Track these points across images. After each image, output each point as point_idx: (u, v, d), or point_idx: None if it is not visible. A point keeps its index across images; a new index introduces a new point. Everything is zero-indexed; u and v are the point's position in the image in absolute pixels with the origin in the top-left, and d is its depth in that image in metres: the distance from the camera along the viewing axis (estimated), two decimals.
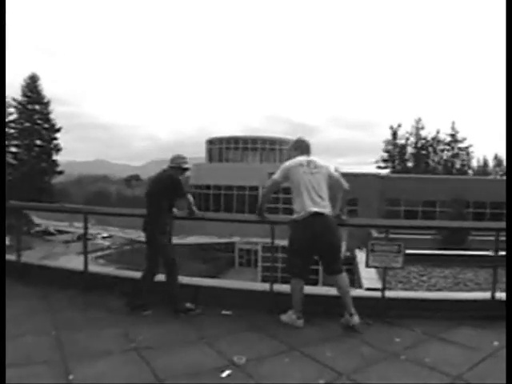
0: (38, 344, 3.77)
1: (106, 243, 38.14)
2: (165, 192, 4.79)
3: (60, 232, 39.53)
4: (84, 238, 6.28)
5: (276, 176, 4.58)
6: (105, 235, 37.91)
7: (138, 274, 5.12)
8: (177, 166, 4.87)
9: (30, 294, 5.20)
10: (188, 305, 4.72)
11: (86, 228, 5.74)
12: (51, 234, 39.83)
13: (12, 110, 46.42)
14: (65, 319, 4.46)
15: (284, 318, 4.48)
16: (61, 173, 50.71)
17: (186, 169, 4.93)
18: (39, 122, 47.94)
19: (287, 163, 4.58)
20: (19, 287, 5.33)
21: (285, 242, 4.55)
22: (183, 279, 5.00)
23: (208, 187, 38.67)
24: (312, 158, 4.60)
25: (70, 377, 3.22)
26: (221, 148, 43.14)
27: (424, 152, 58.25)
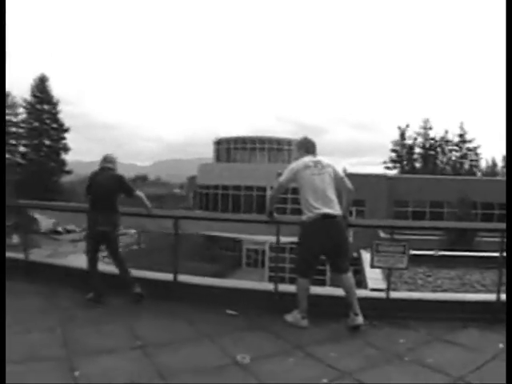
0: (44, 341, 3.80)
1: None
2: (119, 191, 5.17)
3: (68, 231, 39.83)
4: None
5: (282, 179, 4.57)
6: None
7: (139, 273, 5.19)
8: (114, 168, 5.25)
9: (35, 292, 5.23)
10: (138, 290, 4.94)
11: None
12: (59, 232, 40.15)
13: (21, 109, 46.75)
14: (70, 316, 4.50)
15: (289, 317, 4.48)
16: (69, 172, 50.79)
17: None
18: (48, 121, 48.12)
19: (293, 165, 4.58)
20: (25, 285, 5.37)
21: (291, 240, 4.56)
22: (192, 279, 5.04)
23: (216, 187, 38.67)
24: (318, 158, 4.61)
25: (76, 373, 3.24)
26: (228, 148, 43.06)
27: (432, 152, 58.00)
